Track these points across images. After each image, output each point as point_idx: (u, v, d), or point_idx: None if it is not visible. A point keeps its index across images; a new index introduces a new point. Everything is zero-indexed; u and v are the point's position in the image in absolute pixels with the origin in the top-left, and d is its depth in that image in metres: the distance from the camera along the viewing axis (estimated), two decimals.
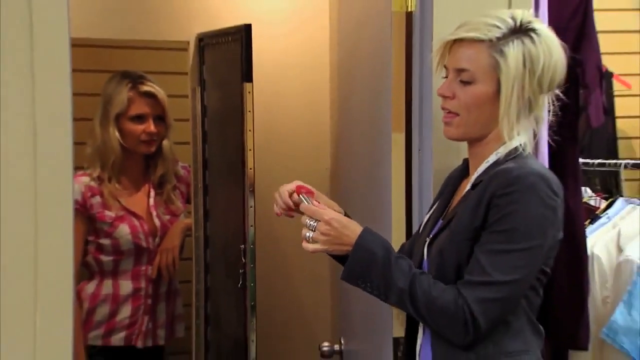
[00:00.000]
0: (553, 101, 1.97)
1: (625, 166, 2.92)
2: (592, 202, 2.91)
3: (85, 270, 3.19)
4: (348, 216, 2.04)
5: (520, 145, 1.91)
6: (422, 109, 2.30)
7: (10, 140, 2.04)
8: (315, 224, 1.94)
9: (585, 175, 2.86)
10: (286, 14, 3.72)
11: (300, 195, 2.02)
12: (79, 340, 2.95)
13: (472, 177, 1.95)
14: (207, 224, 3.50)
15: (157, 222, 3.23)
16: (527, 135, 1.93)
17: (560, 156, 2.34)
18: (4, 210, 2.04)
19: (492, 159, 1.92)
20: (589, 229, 2.69)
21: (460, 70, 1.92)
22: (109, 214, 3.13)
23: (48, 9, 2.06)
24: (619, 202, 2.83)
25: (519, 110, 1.90)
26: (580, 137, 2.49)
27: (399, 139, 2.31)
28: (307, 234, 1.96)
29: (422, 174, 2.31)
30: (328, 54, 3.66)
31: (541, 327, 1.96)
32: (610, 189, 3.27)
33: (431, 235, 1.97)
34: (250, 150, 3.13)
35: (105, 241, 3.13)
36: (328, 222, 1.93)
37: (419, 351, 2.00)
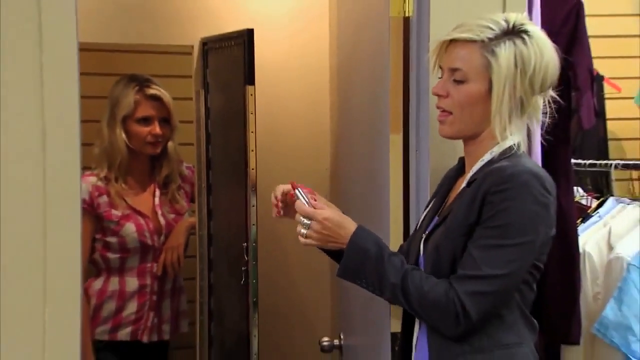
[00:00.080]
0: (549, 102, 1.98)
1: (616, 167, 2.94)
2: (583, 202, 2.94)
3: (92, 268, 3.20)
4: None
5: (514, 144, 1.92)
6: (419, 110, 2.32)
7: (20, 141, 2.08)
8: (310, 222, 1.97)
9: (577, 175, 2.87)
10: (287, 18, 3.72)
11: (296, 190, 2.01)
12: (86, 335, 2.96)
13: (468, 175, 1.97)
14: (211, 222, 3.50)
15: (162, 220, 3.24)
16: (520, 135, 1.94)
17: (553, 156, 2.35)
18: (14, 209, 2.07)
19: (486, 157, 1.94)
20: (580, 228, 2.71)
21: (454, 70, 1.94)
22: (116, 213, 3.14)
23: (57, 15, 2.09)
24: (610, 201, 2.86)
25: (510, 110, 1.91)
26: (572, 138, 2.50)
27: (396, 140, 2.32)
28: (302, 231, 1.98)
29: (419, 173, 2.32)
30: (328, 57, 3.66)
31: (535, 321, 1.97)
32: (601, 188, 3.26)
33: (427, 232, 1.99)
34: (252, 151, 3.12)
35: (112, 239, 3.15)
36: (322, 222, 1.96)
37: (415, 344, 2.02)
